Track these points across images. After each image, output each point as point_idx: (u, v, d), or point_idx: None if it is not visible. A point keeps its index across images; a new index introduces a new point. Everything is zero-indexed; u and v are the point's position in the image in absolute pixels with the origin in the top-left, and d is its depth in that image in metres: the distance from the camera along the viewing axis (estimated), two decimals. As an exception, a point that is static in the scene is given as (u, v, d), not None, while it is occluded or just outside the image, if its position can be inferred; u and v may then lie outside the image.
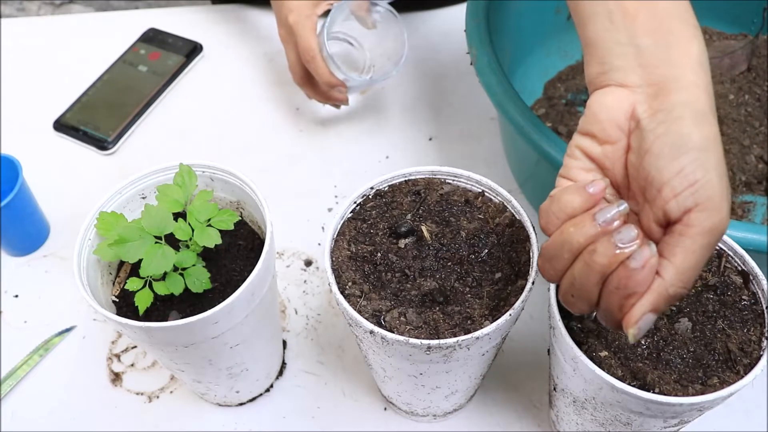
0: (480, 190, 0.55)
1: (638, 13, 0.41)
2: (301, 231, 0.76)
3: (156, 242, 0.52)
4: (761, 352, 0.47)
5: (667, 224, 0.39)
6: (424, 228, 0.53)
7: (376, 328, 0.47)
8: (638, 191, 0.41)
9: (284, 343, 0.68)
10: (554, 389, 0.55)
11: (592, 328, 0.49)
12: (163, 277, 0.53)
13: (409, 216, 0.54)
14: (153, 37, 0.95)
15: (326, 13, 0.76)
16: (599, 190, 0.41)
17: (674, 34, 0.41)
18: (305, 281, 0.73)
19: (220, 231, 0.54)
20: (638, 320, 0.39)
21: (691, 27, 0.42)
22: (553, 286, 0.49)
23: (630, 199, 0.42)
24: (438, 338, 0.47)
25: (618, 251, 0.39)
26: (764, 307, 0.49)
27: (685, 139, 0.39)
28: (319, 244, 0.75)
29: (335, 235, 0.53)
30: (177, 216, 0.54)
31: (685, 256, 0.38)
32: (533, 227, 0.52)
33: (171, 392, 0.66)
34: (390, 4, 0.77)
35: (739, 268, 0.51)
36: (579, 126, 0.44)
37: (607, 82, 0.42)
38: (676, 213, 0.38)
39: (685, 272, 0.38)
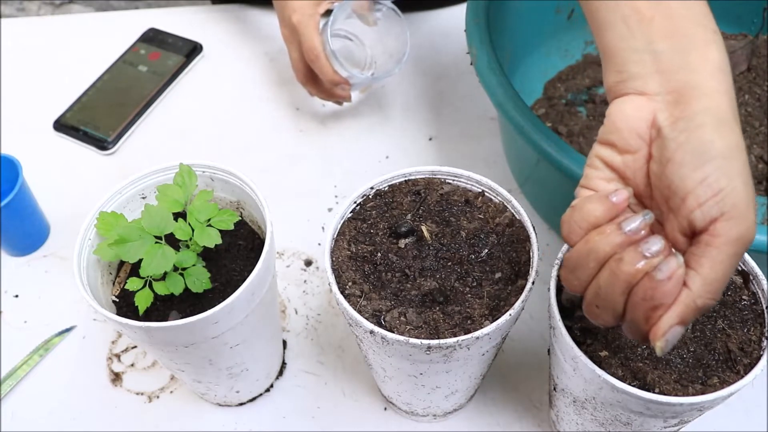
0: (480, 190, 0.55)
1: (654, 17, 0.41)
2: (301, 231, 0.76)
3: (156, 242, 0.52)
4: (761, 352, 0.47)
5: (693, 234, 0.39)
6: (424, 228, 0.53)
7: (376, 328, 0.47)
8: (662, 200, 0.41)
9: (284, 343, 0.68)
10: (554, 389, 0.55)
11: (592, 327, 0.49)
12: (163, 277, 0.53)
13: (409, 216, 0.54)
14: (153, 37, 0.95)
15: (328, 12, 0.76)
16: (622, 200, 0.41)
17: (691, 38, 0.40)
18: (305, 281, 0.73)
19: (220, 231, 0.54)
20: (665, 333, 0.38)
21: (710, 31, 0.41)
22: (553, 286, 0.49)
23: (653, 209, 0.42)
24: (438, 338, 0.47)
25: (645, 261, 0.38)
26: (764, 307, 0.49)
27: (707, 147, 0.38)
28: (319, 244, 0.75)
29: (335, 235, 0.53)
30: (177, 216, 0.54)
31: (713, 267, 0.37)
32: (533, 227, 0.52)
33: (171, 392, 0.66)
34: (393, 2, 0.78)
35: (739, 268, 0.50)
36: (599, 135, 0.43)
37: (626, 90, 0.42)
38: (701, 223, 0.38)
39: (713, 283, 0.38)
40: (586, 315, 0.42)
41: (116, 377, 0.67)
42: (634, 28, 0.41)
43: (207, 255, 0.56)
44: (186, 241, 0.54)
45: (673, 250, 0.39)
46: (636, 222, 0.39)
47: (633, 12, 0.41)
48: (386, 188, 0.56)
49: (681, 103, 0.40)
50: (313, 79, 0.79)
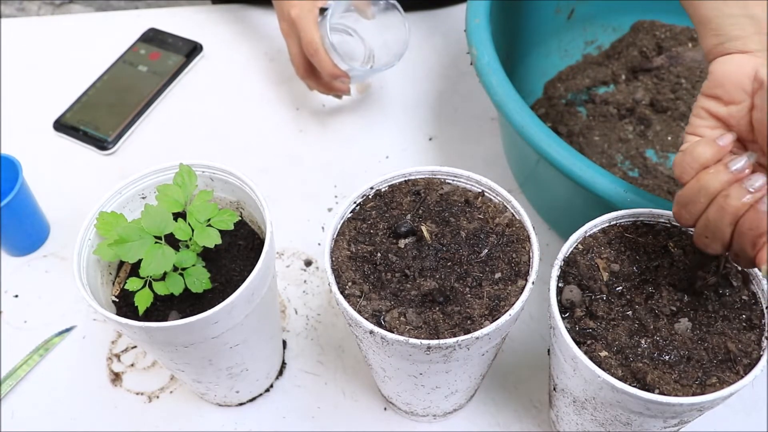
0: (480, 190, 0.55)
1: None
2: (301, 231, 0.76)
3: (156, 242, 0.52)
4: (761, 352, 0.47)
5: None
6: (424, 228, 0.53)
7: (376, 328, 0.47)
8: (764, 143, 0.46)
9: (284, 343, 0.69)
10: (554, 389, 0.55)
11: (592, 327, 0.49)
12: (163, 277, 0.53)
13: (409, 216, 0.54)
14: (153, 37, 0.95)
15: (326, 7, 0.76)
16: (728, 143, 0.46)
17: None
18: (305, 281, 0.73)
19: (220, 231, 0.54)
20: None
21: None
22: (553, 286, 0.49)
23: (756, 152, 0.46)
24: (438, 338, 0.47)
25: (750, 195, 0.43)
26: (764, 307, 0.49)
27: None
28: (319, 244, 0.75)
29: (335, 235, 0.53)
30: (177, 216, 0.54)
31: None
32: (533, 227, 0.52)
33: (171, 392, 0.66)
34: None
35: (740, 268, 0.50)
36: (703, 89, 0.49)
37: (727, 50, 0.48)
38: None
39: None
40: (696, 245, 0.47)
41: (116, 377, 0.67)
42: None
43: (207, 255, 0.56)
44: (186, 241, 0.54)
45: None
46: (741, 162, 0.45)
47: None
48: (386, 188, 0.56)
49: None
50: (313, 73, 0.79)
